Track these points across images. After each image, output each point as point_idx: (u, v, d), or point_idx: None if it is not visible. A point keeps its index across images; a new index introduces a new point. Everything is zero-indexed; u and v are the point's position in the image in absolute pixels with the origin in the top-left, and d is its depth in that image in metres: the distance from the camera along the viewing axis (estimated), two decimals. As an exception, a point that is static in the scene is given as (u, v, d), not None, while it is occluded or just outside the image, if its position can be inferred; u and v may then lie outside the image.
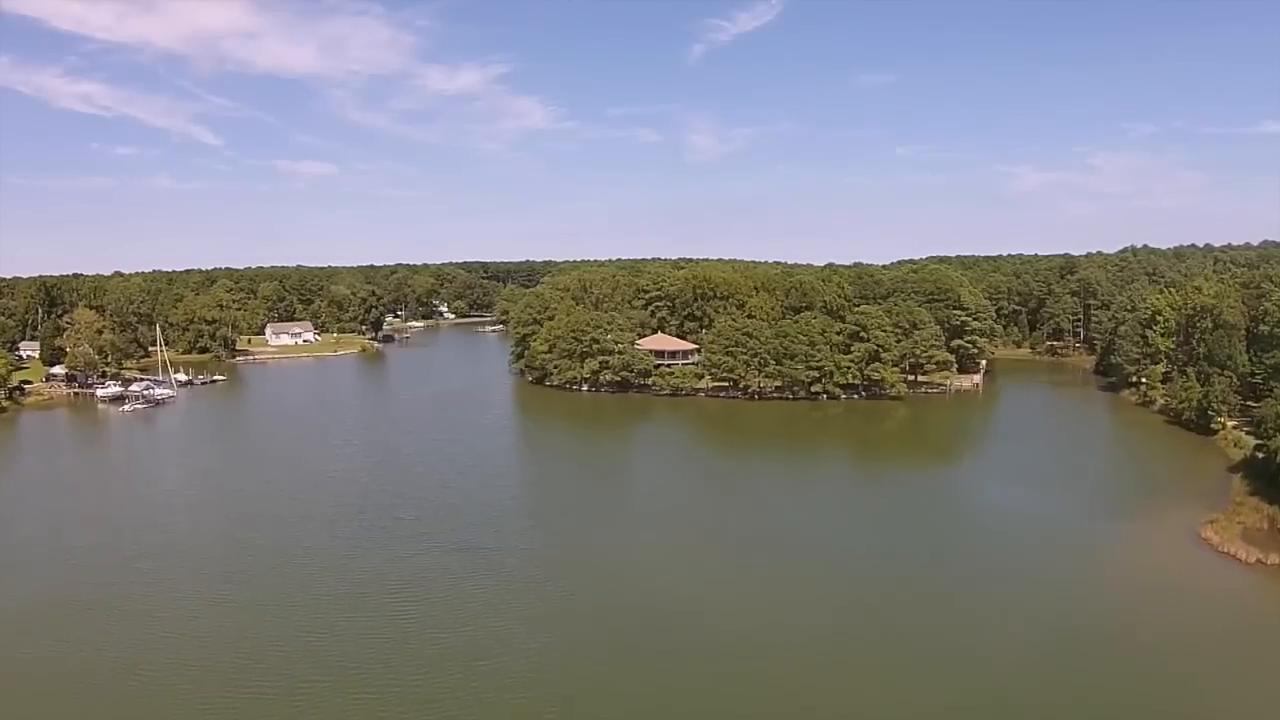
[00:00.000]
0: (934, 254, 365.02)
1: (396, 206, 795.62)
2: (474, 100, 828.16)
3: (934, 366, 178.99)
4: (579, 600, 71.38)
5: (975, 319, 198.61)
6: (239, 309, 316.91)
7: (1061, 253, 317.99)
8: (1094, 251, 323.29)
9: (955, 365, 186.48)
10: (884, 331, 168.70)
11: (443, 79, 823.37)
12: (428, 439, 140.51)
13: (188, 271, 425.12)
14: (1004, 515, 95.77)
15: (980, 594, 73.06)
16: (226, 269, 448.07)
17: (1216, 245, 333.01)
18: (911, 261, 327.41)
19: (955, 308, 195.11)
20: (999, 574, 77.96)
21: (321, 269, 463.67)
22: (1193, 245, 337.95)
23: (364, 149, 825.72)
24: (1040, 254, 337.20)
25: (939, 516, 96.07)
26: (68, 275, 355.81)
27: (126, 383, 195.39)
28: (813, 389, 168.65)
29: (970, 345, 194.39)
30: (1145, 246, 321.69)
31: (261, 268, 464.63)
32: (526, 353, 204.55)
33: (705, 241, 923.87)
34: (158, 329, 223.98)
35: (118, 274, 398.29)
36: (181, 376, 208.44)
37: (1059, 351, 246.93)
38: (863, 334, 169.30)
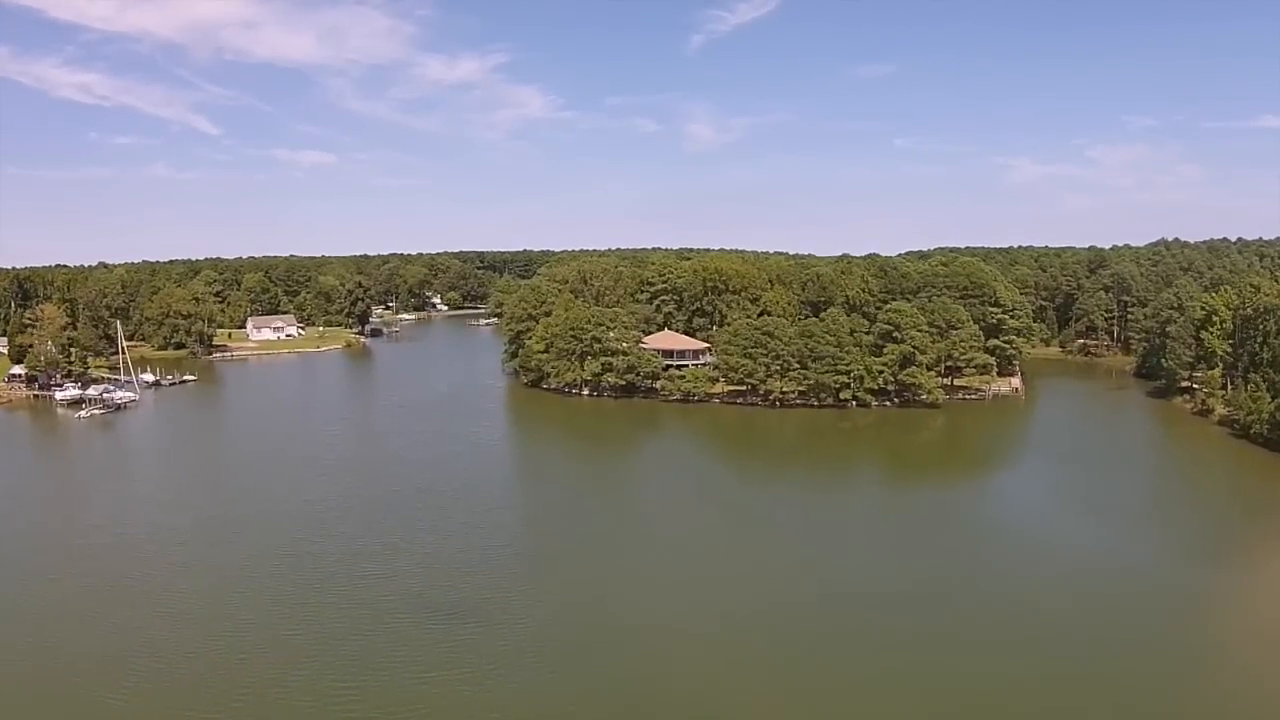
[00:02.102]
0: (939, 245, 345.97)
1: (394, 196, 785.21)
2: (473, 89, 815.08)
3: (972, 370, 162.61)
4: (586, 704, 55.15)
5: (1012, 316, 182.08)
6: (218, 301, 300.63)
7: (1061, 245, 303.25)
8: (1119, 245, 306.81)
9: (995, 368, 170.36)
10: (920, 331, 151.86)
11: (442, 68, 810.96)
12: (406, 460, 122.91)
13: (171, 262, 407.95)
14: (1081, 555, 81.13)
15: (1082, 663, 59.17)
16: (215, 259, 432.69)
17: (1218, 238, 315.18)
18: (919, 253, 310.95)
19: (991, 304, 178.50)
20: (1094, 635, 63.87)
21: (312, 259, 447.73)
22: (1224, 239, 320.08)
23: (363, 138, 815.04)
24: (1047, 246, 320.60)
25: (1011, 558, 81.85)
26: (47, 266, 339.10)
27: (88, 384, 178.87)
28: (840, 395, 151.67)
29: (1008, 345, 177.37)
30: (1177, 240, 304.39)
31: (252, 258, 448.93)
32: (521, 352, 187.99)
33: (705, 231, 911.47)
34: (118, 325, 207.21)
35: (101, 265, 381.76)
36: (149, 377, 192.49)
37: (1092, 351, 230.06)
38: (896, 334, 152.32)
